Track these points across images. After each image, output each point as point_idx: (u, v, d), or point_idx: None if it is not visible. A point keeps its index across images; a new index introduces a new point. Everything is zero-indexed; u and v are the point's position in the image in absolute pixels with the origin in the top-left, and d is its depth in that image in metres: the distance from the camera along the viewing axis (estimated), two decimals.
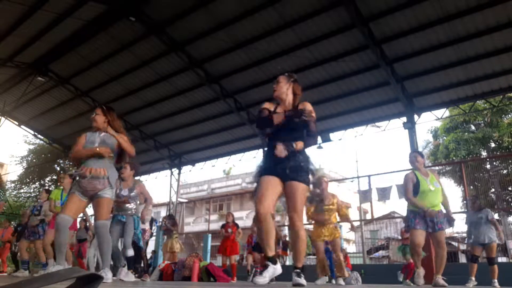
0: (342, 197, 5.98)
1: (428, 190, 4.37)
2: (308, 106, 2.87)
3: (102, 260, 3.55)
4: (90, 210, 6.09)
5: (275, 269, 2.66)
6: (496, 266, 6.03)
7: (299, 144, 2.74)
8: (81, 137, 3.58)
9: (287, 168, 2.70)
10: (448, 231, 20.89)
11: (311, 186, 2.88)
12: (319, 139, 11.42)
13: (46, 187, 17.71)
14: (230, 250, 7.86)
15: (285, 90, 2.96)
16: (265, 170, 2.80)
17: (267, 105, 2.97)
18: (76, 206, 3.36)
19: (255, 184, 2.87)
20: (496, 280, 5.88)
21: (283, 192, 2.76)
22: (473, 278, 5.94)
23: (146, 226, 7.10)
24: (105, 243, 3.47)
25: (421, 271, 4.49)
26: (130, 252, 5.21)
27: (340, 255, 5.62)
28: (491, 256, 6.08)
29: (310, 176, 2.80)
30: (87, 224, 8.37)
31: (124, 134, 3.66)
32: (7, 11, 8.67)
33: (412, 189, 4.41)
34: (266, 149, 2.95)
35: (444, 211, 4.50)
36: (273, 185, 2.71)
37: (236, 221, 8.50)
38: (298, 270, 2.67)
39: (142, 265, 6.83)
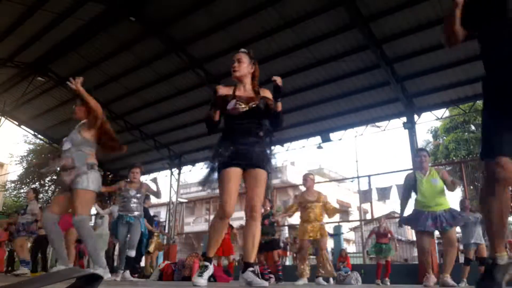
0: (342, 197, 6.00)
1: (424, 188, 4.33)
2: (269, 94, 2.71)
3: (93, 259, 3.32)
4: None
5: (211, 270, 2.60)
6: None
7: (263, 131, 2.63)
8: None
9: (253, 155, 2.53)
10: None
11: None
12: (319, 139, 11.43)
13: (34, 186, 17.75)
14: (224, 250, 7.84)
15: (247, 71, 2.70)
16: (228, 160, 2.53)
17: (224, 90, 2.65)
18: (58, 202, 3.22)
19: (212, 173, 2.66)
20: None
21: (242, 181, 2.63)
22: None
23: None
24: (87, 241, 3.19)
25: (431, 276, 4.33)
26: (132, 253, 5.24)
27: (325, 255, 5.62)
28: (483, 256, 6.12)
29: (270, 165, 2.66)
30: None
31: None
32: (7, 11, 8.67)
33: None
34: (223, 132, 2.65)
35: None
36: (237, 179, 2.58)
37: (237, 221, 8.50)
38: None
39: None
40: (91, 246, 3.14)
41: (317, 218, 5.51)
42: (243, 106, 2.54)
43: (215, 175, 2.62)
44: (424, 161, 4.44)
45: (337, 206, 25.56)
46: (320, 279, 5.56)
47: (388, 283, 7.27)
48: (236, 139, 2.54)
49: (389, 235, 7.82)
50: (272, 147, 2.63)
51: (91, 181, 3.08)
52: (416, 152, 4.67)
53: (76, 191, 3.03)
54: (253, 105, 2.57)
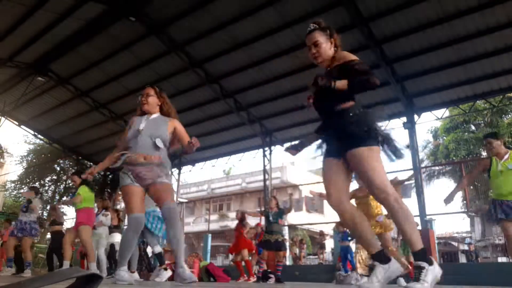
0: None
1: (496, 172, 3.94)
2: (347, 56, 2.22)
3: (178, 254, 2.91)
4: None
5: (386, 270, 2.01)
6: None
7: (346, 103, 2.13)
8: (131, 121, 3.17)
9: (338, 138, 2.14)
10: (448, 231, 20.75)
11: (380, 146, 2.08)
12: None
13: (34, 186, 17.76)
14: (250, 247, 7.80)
15: (329, 50, 2.27)
16: (325, 151, 2.25)
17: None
18: (140, 199, 2.97)
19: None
20: None
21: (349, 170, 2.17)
22: None
23: None
24: (179, 230, 2.93)
25: None
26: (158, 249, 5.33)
27: (392, 251, 5.17)
28: None
29: (375, 134, 2.06)
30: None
31: (177, 119, 3.23)
32: (7, 11, 8.67)
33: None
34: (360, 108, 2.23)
35: None
36: (334, 167, 2.18)
37: (236, 221, 8.44)
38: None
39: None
40: (182, 237, 3.00)
41: (370, 213, 5.07)
42: None
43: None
44: (490, 149, 4.04)
45: None
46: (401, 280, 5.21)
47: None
48: (320, 128, 2.33)
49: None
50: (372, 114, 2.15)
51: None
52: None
53: (166, 184, 2.96)
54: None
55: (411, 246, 1.99)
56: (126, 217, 3.35)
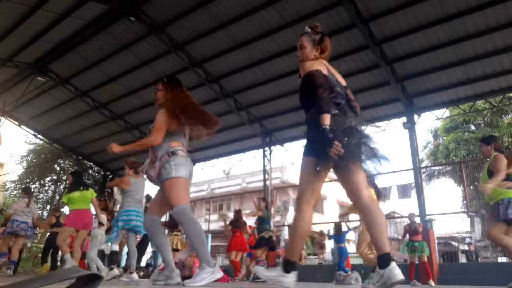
0: (342, 197, 6.04)
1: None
2: (306, 68, 2.24)
3: (199, 254, 2.72)
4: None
5: (381, 275, 1.98)
6: None
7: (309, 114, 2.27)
8: None
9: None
10: (448, 231, 20.78)
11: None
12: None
13: (34, 186, 17.88)
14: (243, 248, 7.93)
15: (310, 56, 2.34)
16: None
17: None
18: (156, 200, 2.98)
19: None
20: None
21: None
22: None
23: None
24: (190, 230, 2.73)
25: None
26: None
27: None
28: None
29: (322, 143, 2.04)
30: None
31: (166, 108, 2.93)
32: (7, 11, 8.66)
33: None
34: None
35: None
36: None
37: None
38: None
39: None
40: (196, 239, 2.72)
41: None
42: None
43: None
44: (482, 152, 4.13)
45: (337, 206, 25.69)
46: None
47: (433, 284, 6.99)
48: None
49: (420, 230, 7.62)
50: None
51: (175, 168, 2.82)
52: None
53: (164, 183, 2.79)
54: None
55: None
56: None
